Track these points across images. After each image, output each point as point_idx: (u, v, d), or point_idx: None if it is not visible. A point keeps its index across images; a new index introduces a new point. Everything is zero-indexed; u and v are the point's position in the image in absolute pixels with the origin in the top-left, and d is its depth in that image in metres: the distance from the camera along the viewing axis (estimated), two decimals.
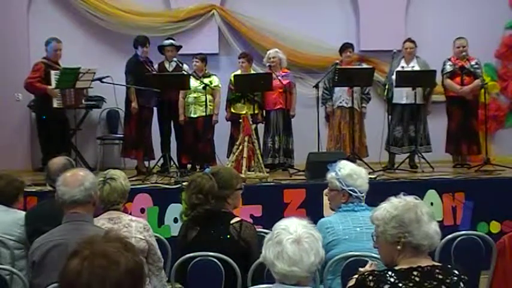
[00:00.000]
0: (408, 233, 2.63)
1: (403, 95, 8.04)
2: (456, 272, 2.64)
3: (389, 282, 2.58)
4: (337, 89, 8.20)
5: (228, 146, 8.15)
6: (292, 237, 2.40)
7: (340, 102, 8.23)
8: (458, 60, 8.18)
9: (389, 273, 2.61)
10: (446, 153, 8.40)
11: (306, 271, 2.38)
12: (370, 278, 2.61)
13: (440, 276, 2.60)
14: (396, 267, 2.64)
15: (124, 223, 3.78)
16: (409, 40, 8.26)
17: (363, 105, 8.32)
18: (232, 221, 3.84)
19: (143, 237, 3.79)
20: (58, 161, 4.54)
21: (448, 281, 2.60)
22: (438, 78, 8.18)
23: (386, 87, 8.09)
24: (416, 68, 8.11)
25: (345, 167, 3.89)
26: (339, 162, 3.99)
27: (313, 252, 2.39)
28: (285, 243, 2.40)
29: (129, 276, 1.67)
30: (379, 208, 2.75)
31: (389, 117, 8.07)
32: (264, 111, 8.37)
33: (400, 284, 2.57)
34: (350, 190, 3.83)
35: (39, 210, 4.43)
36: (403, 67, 8.12)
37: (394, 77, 7.94)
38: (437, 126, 8.47)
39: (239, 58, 8.40)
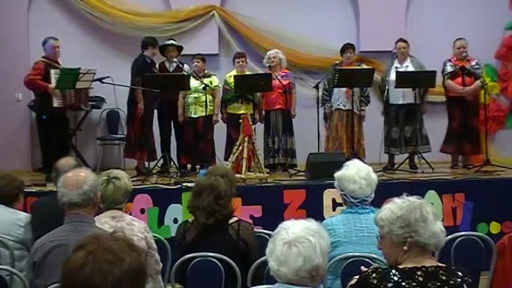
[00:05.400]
0: (415, 233, 2.62)
1: (399, 96, 8.02)
2: (460, 273, 2.63)
3: (392, 280, 2.57)
4: (335, 91, 8.18)
5: (226, 147, 8.13)
6: (286, 239, 2.37)
7: (338, 105, 8.20)
8: (458, 61, 8.17)
9: (393, 271, 2.60)
10: (441, 153, 8.37)
11: (292, 274, 2.35)
12: (374, 275, 2.60)
13: (444, 277, 2.59)
14: (400, 266, 2.63)
15: (127, 221, 3.79)
16: (401, 40, 8.23)
17: (362, 107, 8.27)
18: (230, 221, 3.82)
19: (144, 237, 3.79)
20: (69, 162, 4.53)
21: (451, 282, 2.59)
22: (438, 78, 8.17)
23: (386, 88, 8.08)
24: (410, 67, 8.08)
25: (343, 168, 3.76)
26: (349, 161, 3.88)
27: (301, 257, 2.33)
28: (277, 242, 2.38)
29: (131, 276, 1.67)
30: (382, 209, 2.73)
31: (385, 117, 8.10)
32: (264, 112, 8.37)
33: (404, 283, 2.56)
34: (343, 194, 3.75)
35: (44, 209, 4.41)
36: (396, 67, 8.09)
37: (389, 78, 7.94)
38: (437, 126, 8.46)
39: (238, 58, 8.34)
